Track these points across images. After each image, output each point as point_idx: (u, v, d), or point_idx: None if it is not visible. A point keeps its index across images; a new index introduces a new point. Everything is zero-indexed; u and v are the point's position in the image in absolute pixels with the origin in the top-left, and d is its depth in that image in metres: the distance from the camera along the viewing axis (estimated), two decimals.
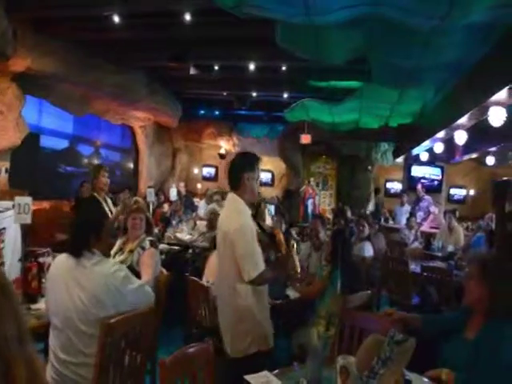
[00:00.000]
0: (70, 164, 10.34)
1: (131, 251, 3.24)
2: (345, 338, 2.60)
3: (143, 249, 3.23)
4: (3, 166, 6.49)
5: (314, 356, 1.80)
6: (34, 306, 2.70)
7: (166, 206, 8.45)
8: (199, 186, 14.56)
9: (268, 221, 5.07)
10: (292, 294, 3.50)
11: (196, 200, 10.59)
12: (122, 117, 11.38)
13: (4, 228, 4.73)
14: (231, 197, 2.57)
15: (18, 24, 6.27)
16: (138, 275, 3.04)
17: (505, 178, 3.54)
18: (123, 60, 8.59)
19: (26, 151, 8.03)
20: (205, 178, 15.09)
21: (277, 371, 2.00)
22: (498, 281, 2.08)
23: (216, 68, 8.86)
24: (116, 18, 6.06)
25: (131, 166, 13.34)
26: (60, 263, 2.42)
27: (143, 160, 13.17)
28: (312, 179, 11.40)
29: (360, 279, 3.54)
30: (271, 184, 14.63)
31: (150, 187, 6.85)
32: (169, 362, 1.75)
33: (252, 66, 8.31)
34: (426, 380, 1.93)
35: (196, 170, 15.26)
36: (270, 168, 14.69)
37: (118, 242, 3.39)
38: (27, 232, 3.87)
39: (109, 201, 4.68)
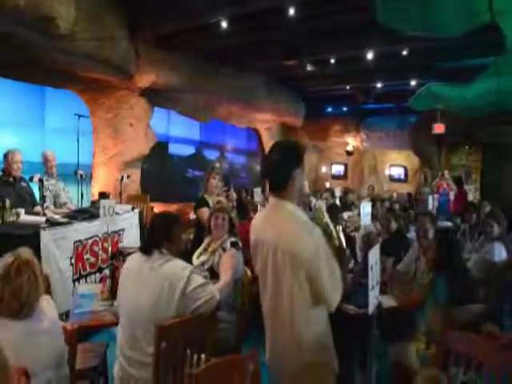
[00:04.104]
0: (197, 169, 10.99)
1: (213, 252, 3.22)
2: (449, 365, 2.12)
3: (224, 250, 3.18)
4: (129, 174, 7.13)
5: None
6: (116, 303, 2.81)
7: None
8: (327, 184, 14.32)
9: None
10: (386, 301, 3.08)
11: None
12: (247, 120, 11.73)
13: (123, 229, 5.17)
14: (285, 206, 1.91)
15: (139, 43, 6.84)
16: (218, 277, 3.00)
17: None
18: (239, 63, 8.85)
19: (156, 159, 8.77)
20: (334, 177, 14.79)
21: None
22: None
23: (332, 61, 8.58)
24: (223, 24, 6.26)
25: (258, 168, 13.67)
26: (133, 260, 2.52)
27: None
28: (446, 172, 10.25)
29: (470, 289, 2.97)
30: (405, 180, 13.69)
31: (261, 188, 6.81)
32: (198, 375, 1.61)
33: (370, 55, 7.83)
34: None
35: (324, 169, 15.03)
36: (402, 163, 13.77)
37: (205, 242, 3.39)
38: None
39: None
